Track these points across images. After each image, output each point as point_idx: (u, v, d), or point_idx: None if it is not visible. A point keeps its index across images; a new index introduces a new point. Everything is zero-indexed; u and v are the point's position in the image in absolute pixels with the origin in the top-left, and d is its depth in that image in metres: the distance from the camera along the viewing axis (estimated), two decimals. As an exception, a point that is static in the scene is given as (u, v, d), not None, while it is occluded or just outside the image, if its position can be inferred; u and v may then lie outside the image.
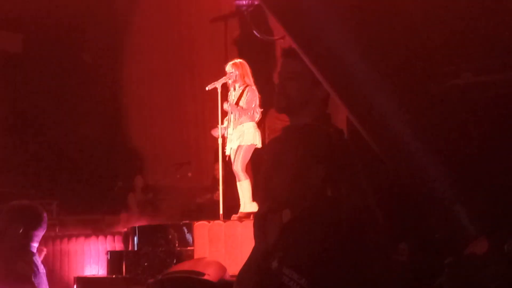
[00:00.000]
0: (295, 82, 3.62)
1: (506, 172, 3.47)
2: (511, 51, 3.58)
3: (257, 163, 9.78)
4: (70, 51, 13.86)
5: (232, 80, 9.66)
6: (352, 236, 2.76)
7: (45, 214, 5.20)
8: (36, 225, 5.05)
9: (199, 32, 13.72)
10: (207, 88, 9.91)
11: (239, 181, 9.57)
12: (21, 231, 4.97)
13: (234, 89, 9.71)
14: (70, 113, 13.73)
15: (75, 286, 10.19)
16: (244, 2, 10.54)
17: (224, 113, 9.86)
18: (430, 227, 3.43)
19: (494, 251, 3.17)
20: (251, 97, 9.57)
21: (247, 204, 9.36)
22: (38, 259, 5.03)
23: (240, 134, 9.58)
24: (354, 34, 3.21)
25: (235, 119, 9.67)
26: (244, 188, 9.48)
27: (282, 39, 10.30)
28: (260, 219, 2.94)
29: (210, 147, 12.00)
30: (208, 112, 12.45)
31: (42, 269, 4.97)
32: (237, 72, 9.64)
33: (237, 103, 9.60)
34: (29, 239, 5.01)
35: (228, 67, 9.73)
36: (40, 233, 5.09)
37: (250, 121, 9.62)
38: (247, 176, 9.52)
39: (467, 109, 3.65)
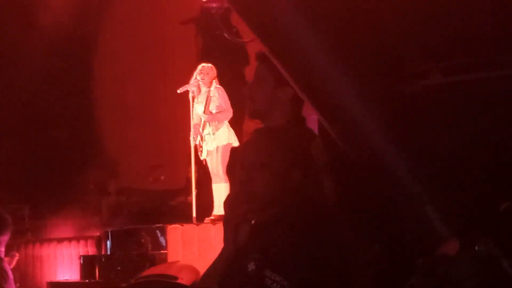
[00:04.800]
0: (258, 86, 3.65)
1: (476, 172, 3.48)
2: (480, 51, 3.60)
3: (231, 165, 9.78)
4: (41, 54, 13.75)
5: (203, 83, 9.70)
6: (329, 236, 2.76)
7: (9, 218, 5.12)
8: (2, 229, 4.97)
9: (170, 34, 13.70)
10: (178, 91, 9.93)
11: (215, 183, 9.55)
12: None
13: (200, 92, 9.75)
14: (41, 115, 13.62)
15: (47, 291, 10.14)
16: (213, 5, 10.56)
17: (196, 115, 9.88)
18: (401, 228, 3.44)
19: (465, 251, 3.18)
20: (225, 96, 9.63)
21: (221, 207, 9.32)
22: (6, 264, 4.95)
23: (215, 136, 9.60)
24: (323, 36, 3.21)
25: (208, 122, 9.70)
26: (221, 190, 9.43)
27: (252, 42, 10.32)
28: (230, 223, 2.92)
29: (182, 150, 11.97)
30: (180, 115, 12.41)
31: (10, 274, 4.91)
32: (208, 75, 9.70)
33: (206, 107, 9.65)
34: (-4, 245, 4.92)
35: (204, 69, 9.76)
36: (6, 238, 5.01)
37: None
38: (227, 179, 9.50)
39: (437, 109, 3.66)
